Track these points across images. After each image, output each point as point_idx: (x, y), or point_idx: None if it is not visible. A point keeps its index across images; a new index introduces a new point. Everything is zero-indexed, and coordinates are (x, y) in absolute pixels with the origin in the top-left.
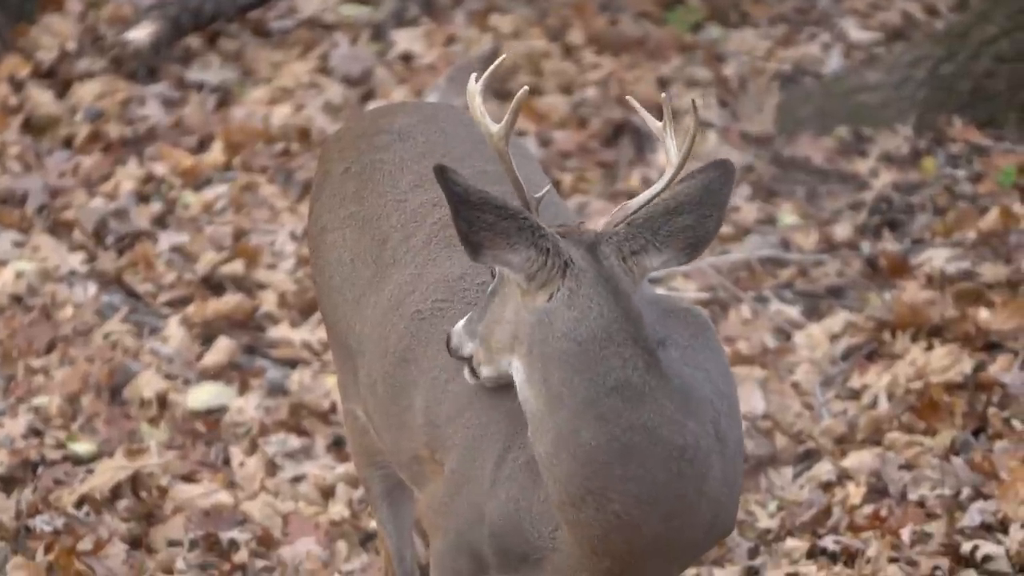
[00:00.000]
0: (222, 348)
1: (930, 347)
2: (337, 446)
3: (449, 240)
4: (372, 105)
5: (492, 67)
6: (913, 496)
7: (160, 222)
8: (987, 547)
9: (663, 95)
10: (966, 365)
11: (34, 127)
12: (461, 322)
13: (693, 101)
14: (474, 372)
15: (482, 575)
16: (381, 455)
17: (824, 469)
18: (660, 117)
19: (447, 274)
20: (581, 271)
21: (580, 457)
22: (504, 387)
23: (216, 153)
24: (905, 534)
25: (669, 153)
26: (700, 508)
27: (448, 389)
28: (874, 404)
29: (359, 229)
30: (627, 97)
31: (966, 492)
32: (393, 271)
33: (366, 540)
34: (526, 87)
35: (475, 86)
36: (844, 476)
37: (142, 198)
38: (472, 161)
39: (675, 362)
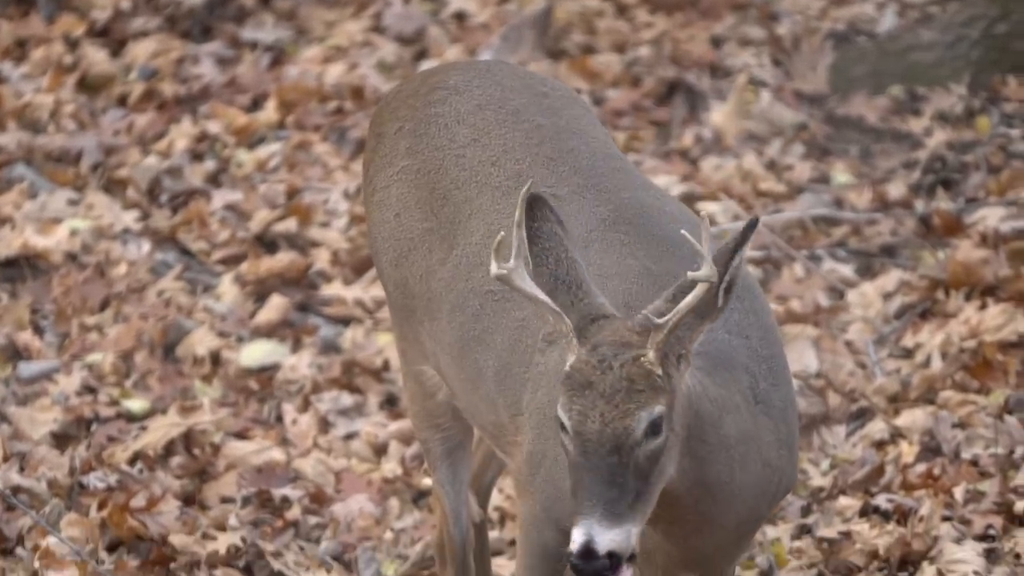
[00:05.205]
0: (275, 306)
1: (984, 306)
2: (390, 404)
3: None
4: (425, 64)
5: None
6: (966, 455)
7: (214, 180)
8: None
9: (702, 214)
10: (1020, 324)
11: (89, 86)
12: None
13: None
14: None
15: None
16: (444, 417)
17: (877, 428)
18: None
19: None
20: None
21: None
22: None
23: (270, 112)
24: (958, 493)
25: (703, 268)
26: (769, 477)
27: (520, 370)
28: (927, 363)
29: (411, 183)
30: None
31: (1020, 451)
32: (458, 233)
33: (418, 497)
34: (531, 183)
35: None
36: (897, 435)
37: (196, 156)
38: (528, 115)
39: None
